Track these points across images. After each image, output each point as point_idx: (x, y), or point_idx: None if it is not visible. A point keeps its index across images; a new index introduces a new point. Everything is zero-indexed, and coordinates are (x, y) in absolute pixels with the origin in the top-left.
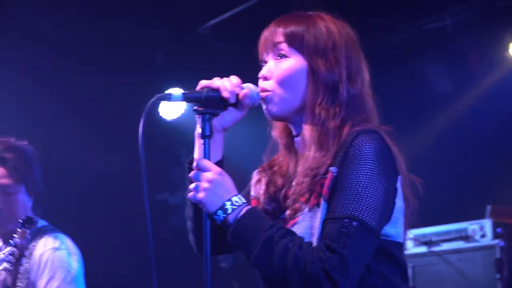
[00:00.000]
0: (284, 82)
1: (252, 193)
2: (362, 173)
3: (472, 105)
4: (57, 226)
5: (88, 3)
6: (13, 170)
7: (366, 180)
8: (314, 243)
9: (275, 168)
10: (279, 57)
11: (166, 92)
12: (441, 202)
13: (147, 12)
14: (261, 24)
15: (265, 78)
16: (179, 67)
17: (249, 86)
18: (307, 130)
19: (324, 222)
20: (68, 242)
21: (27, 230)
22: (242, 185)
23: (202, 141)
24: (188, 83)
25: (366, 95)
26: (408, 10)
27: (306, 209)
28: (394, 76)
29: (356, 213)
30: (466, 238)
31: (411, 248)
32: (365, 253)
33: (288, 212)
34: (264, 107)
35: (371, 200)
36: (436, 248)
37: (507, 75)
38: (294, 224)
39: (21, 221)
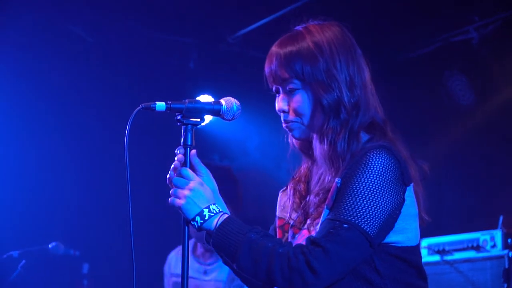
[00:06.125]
0: (300, 113)
1: (277, 213)
2: (363, 184)
3: (489, 117)
4: None
5: (121, 10)
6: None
7: (365, 191)
8: None
9: (299, 177)
10: (289, 92)
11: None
12: (456, 211)
13: (181, 21)
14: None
15: (283, 111)
16: (209, 74)
17: (229, 100)
18: (317, 149)
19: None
20: None
21: None
22: None
23: (183, 150)
24: (217, 90)
25: (368, 94)
26: (436, 23)
27: (320, 220)
28: (418, 86)
29: (349, 218)
30: (477, 248)
31: (425, 256)
32: (351, 251)
33: (311, 220)
34: (289, 134)
35: (368, 209)
36: (448, 257)
37: None
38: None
39: None
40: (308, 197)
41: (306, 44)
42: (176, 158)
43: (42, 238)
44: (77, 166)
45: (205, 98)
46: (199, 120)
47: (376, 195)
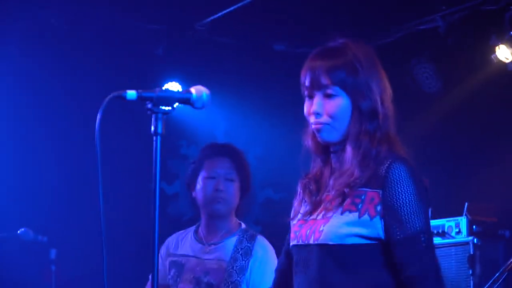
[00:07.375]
0: (334, 117)
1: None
2: (409, 194)
3: (456, 106)
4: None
5: None
6: (236, 164)
7: (413, 200)
8: (334, 243)
9: (309, 177)
10: (327, 97)
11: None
12: None
13: (147, 7)
14: (256, 21)
15: (318, 114)
16: (177, 61)
17: (199, 88)
18: (349, 152)
19: (393, 242)
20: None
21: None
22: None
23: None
24: (185, 76)
25: (391, 109)
26: (403, 10)
27: (338, 212)
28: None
29: (419, 227)
30: (443, 234)
31: None
32: (436, 258)
33: (322, 212)
34: (317, 134)
35: (422, 215)
36: None
37: (491, 77)
38: (325, 223)
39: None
40: (322, 193)
41: (349, 57)
42: None
43: (11, 224)
44: (46, 151)
45: (174, 85)
46: (169, 108)
47: (421, 202)
